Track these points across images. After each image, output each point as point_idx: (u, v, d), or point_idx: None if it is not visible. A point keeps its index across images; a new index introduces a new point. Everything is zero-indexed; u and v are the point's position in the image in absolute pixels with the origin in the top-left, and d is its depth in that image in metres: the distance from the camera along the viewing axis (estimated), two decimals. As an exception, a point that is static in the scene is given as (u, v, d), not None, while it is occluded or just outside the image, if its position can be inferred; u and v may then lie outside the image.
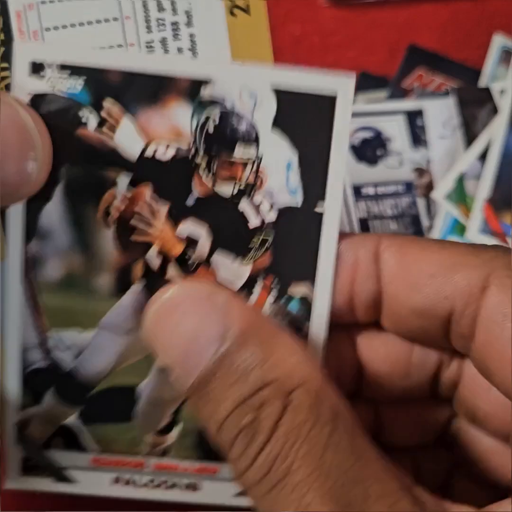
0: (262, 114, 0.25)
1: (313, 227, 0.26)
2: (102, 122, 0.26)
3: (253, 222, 0.26)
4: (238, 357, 0.23)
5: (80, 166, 0.26)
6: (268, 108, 0.25)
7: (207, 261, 0.26)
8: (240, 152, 0.26)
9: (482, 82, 0.54)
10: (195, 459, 0.29)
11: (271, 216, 0.26)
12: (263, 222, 0.26)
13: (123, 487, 0.29)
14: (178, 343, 0.23)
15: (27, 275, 0.27)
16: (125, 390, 0.28)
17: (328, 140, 0.26)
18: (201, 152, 0.26)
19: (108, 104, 0.26)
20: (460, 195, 0.53)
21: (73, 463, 0.29)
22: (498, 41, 0.52)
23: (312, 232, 0.26)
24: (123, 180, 0.26)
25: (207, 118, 0.25)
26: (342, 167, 0.26)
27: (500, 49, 0.53)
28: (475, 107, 0.54)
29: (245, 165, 0.26)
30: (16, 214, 0.26)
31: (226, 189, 0.26)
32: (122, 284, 0.27)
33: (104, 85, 0.26)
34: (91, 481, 0.29)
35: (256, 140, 0.26)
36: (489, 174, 0.52)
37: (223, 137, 0.26)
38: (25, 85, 0.25)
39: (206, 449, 0.29)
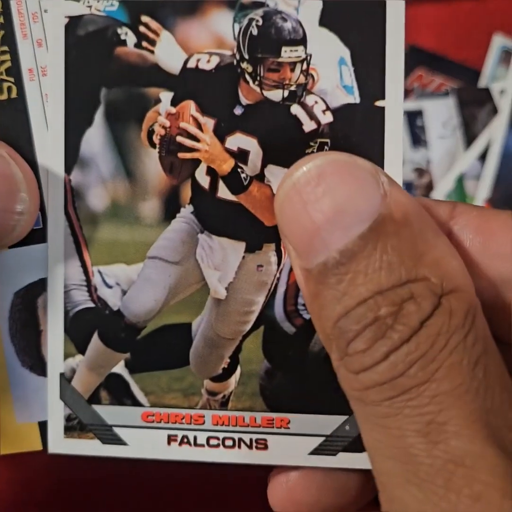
0: (308, 10, 0.24)
1: (375, 123, 0.24)
2: (141, 39, 0.25)
3: (308, 125, 0.25)
4: (391, 242, 0.19)
5: (121, 86, 0.25)
6: (314, 4, 0.24)
7: (261, 174, 0.25)
8: (287, 52, 0.24)
9: (482, 82, 0.54)
10: (260, 410, 0.26)
11: (327, 117, 0.25)
12: (319, 124, 0.25)
13: (179, 448, 0.25)
14: (319, 215, 0.20)
15: (69, 208, 0.25)
16: (179, 327, 0.25)
17: (382, 34, 0.24)
18: (246, 57, 0.24)
19: (146, 19, 0.25)
20: (460, 195, 0.52)
21: (122, 420, 0.25)
22: (498, 41, 0.53)
23: (374, 130, 0.24)
24: (166, 96, 0.25)
25: (250, 21, 0.24)
26: (400, 60, 0.24)
27: (500, 49, 0.53)
28: (475, 107, 0.54)
29: (294, 65, 0.24)
30: (55, 143, 0.25)
31: (275, 94, 0.25)
32: (171, 209, 0.25)
33: (140, 0, 0.25)
34: (142, 441, 0.25)
35: (304, 38, 0.24)
36: (488, 174, 0.52)
37: (267, 38, 0.24)
38: (61, 8, 0.24)
39: (272, 397, 0.26)
